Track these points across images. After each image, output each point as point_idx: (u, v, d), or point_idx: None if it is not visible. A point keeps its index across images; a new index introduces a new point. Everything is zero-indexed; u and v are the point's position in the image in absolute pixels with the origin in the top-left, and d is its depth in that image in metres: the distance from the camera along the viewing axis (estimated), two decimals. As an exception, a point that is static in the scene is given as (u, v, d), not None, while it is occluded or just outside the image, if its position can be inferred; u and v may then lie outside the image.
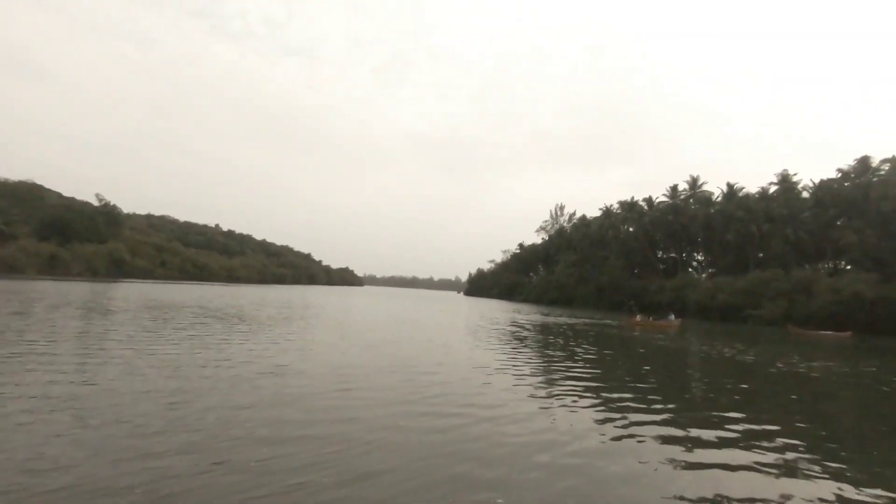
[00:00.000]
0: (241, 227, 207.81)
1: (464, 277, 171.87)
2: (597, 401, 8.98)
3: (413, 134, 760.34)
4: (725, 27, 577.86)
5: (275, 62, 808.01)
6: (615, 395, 9.59)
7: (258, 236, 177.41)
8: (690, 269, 74.76)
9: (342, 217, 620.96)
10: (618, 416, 8.02)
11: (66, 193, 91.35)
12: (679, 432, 7.22)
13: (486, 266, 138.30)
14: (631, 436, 6.88)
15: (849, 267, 54.97)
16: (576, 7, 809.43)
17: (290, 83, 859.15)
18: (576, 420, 7.56)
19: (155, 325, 15.71)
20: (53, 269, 57.99)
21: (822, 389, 12.70)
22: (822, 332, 36.02)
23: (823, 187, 59.86)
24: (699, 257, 77.84)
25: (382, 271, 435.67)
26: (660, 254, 79.77)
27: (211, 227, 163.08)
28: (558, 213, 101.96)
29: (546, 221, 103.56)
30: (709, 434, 7.25)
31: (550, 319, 37.17)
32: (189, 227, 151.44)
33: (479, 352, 15.12)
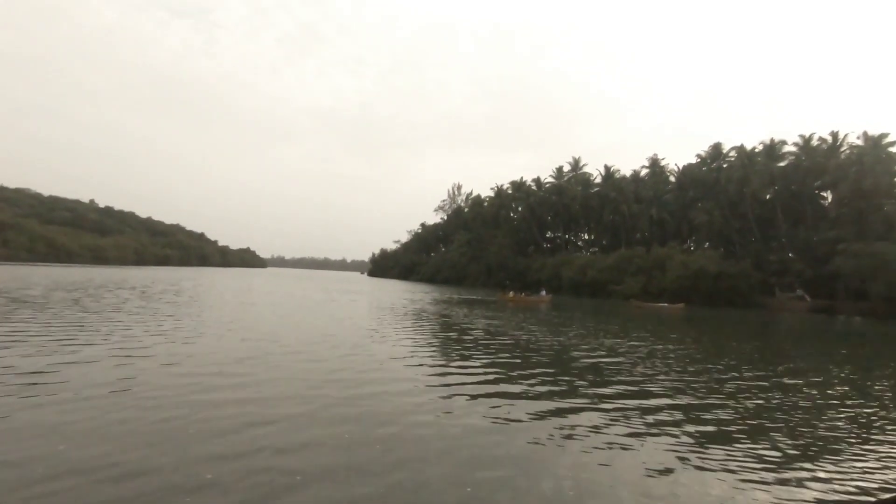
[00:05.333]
0: (125, 205, 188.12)
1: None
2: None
3: (322, 109, 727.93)
4: (627, 20, 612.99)
5: (163, 23, 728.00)
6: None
7: (144, 214, 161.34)
8: (579, 248, 78.44)
9: (247, 195, 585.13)
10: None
11: None
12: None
13: (392, 247, 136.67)
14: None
15: (706, 245, 60.22)
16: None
17: (183, 48, 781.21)
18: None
19: None
20: None
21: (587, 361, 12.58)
22: (659, 304, 38.69)
23: (685, 171, 64.83)
24: (585, 237, 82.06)
25: (292, 252, 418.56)
26: (549, 234, 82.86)
27: (83, 203, 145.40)
28: (455, 192, 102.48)
29: (444, 201, 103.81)
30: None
31: (427, 297, 36.47)
32: (55, 202, 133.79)
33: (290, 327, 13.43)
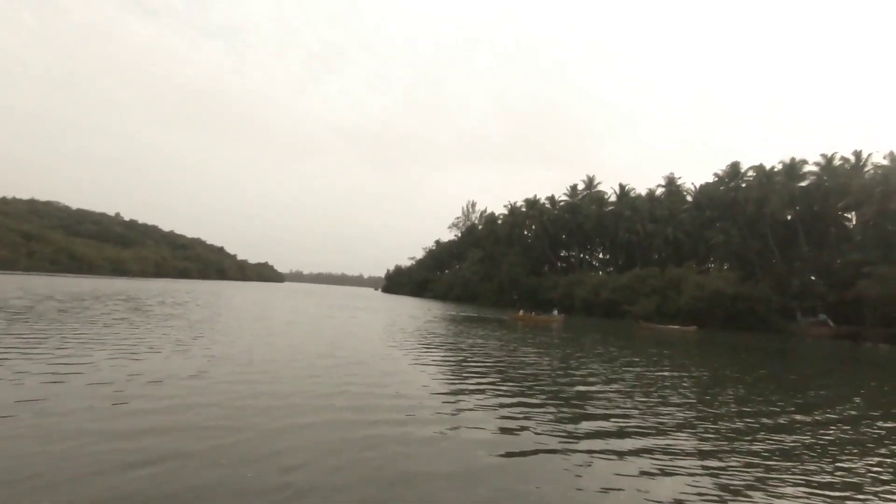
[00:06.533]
0: (149, 218, 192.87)
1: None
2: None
3: (345, 126, 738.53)
4: (637, 32, 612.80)
5: (196, 43, 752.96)
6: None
7: (167, 227, 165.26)
8: (594, 268, 77.04)
9: (268, 210, 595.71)
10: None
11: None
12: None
13: (407, 263, 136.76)
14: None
15: (725, 266, 58.46)
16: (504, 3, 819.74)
17: (213, 66, 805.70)
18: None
19: None
20: None
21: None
22: (670, 326, 37.35)
23: (702, 190, 63.46)
24: (600, 256, 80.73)
25: (310, 268, 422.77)
26: (563, 252, 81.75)
27: (109, 216, 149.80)
28: (470, 209, 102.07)
29: (458, 218, 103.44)
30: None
31: (436, 314, 35.97)
32: (82, 215, 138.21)
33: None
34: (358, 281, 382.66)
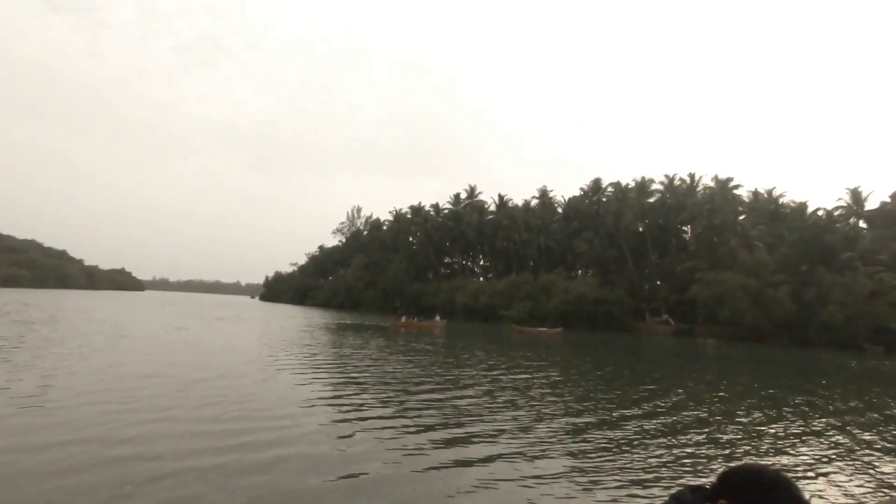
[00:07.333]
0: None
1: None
2: None
3: (223, 124, 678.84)
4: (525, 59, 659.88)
5: (37, 16, 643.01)
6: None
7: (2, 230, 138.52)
8: (476, 274, 79.64)
9: (129, 211, 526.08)
10: None
11: None
12: None
13: (289, 269, 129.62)
14: None
15: (590, 272, 64.06)
16: (399, 15, 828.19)
17: (61, 45, 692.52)
18: None
19: None
20: None
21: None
22: (539, 329, 39.97)
23: (570, 203, 69.16)
24: (482, 262, 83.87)
25: (179, 275, 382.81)
26: (447, 259, 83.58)
27: None
28: (355, 215, 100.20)
29: (343, 223, 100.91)
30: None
31: (314, 323, 33.99)
32: None
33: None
34: (234, 289, 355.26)
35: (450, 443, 7.08)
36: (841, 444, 8.33)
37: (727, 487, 1.12)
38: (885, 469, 6.98)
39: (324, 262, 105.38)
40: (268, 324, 33.06)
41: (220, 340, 19.92)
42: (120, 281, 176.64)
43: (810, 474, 6.52)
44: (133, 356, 13.88)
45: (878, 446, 8.31)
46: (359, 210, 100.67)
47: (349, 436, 7.11)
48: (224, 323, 31.09)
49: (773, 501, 1.05)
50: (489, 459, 6.43)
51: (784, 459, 7.19)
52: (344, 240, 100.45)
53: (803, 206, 53.20)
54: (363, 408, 9.00)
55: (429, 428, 7.84)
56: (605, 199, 63.69)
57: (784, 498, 1.05)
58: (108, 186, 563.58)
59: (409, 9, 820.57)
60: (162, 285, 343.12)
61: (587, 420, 9.11)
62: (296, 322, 36.34)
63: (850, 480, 6.35)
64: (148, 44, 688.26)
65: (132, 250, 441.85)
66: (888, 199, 49.35)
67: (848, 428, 9.61)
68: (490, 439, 7.39)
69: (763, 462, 5.37)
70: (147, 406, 8.02)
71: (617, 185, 62.62)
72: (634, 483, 5.85)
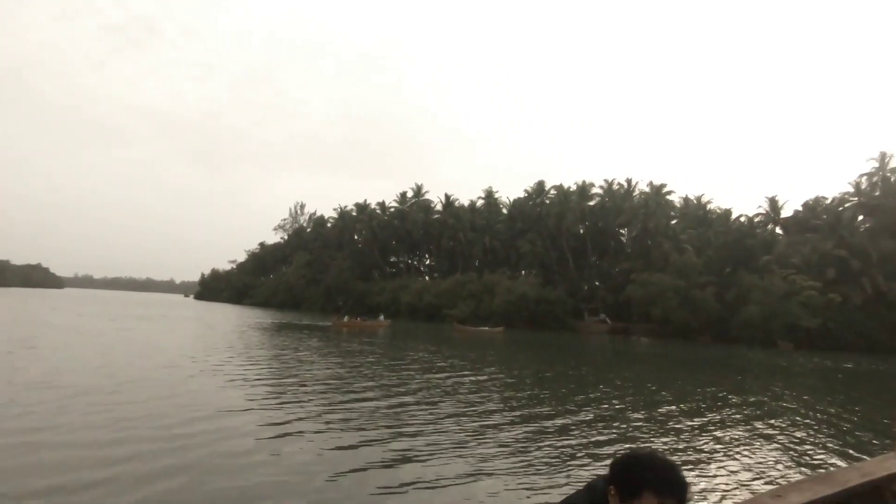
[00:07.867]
0: None
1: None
2: None
3: (157, 114, 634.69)
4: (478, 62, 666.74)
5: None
6: None
7: None
8: (421, 273, 79.23)
9: (48, 202, 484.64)
10: None
11: None
12: None
13: (227, 267, 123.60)
14: None
15: (533, 272, 65.36)
16: (349, 10, 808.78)
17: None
18: None
19: None
20: None
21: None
22: (480, 328, 40.34)
23: (515, 204, 70.34)
24: (428, 262, 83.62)
25: (104, 272, 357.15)
26: (393, 258, 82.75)
27: None
28: (298, 211, 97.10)
29: (285, 220, 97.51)
30: None
31: (248, 323, 32.31)
32: None
33: None
34: (168, 287, 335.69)
35: (382, 443, 6.90)
36: (738, 435, 8.87)
37: (614, 473, 1.20)
38: (772, 457, 7.49)
39: (264, 259, 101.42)
40: (197, 323, 31.27)
41: (134, 344, 18.46)
42: (34, 277, 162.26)
43: (708, 461, 7.12)
44: (21, 362, 12.50)
45: (770, 435, 8.89)
46: (302, 206, 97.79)
47: (274, 438, 6.64)
48: (146, 323, 29.07)
49: (652, 482, 1.11)
50: (420, 459, 6.36)
51: (691, 446, 7.58)
52: (286, 237, 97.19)
53: (728, 212, 56.77)
54: (291, 411, 8.55)
55: (360, 429, 7.67)
56: (547, 202, 65.27)
57: (662, 476, 1.12)
58: (22, 175, 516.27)
59: (357, 4, 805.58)
60: (85, 283, 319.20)
61: (513, 416, 9.15)
62: (228, 321, 34.66)
63: (744, 468, 6.86)
64: (69, 21, 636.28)
65: (51, 244, 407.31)
66: (800, 208, 53.62)
67: (746, 419, 10.30)
68: (423, 438, 7.32)
69: (654, 447, 6.00)
70: (22, 419, 7.15)
71: (559, 188, 64.37)
72: (558, 471, 6.18)
